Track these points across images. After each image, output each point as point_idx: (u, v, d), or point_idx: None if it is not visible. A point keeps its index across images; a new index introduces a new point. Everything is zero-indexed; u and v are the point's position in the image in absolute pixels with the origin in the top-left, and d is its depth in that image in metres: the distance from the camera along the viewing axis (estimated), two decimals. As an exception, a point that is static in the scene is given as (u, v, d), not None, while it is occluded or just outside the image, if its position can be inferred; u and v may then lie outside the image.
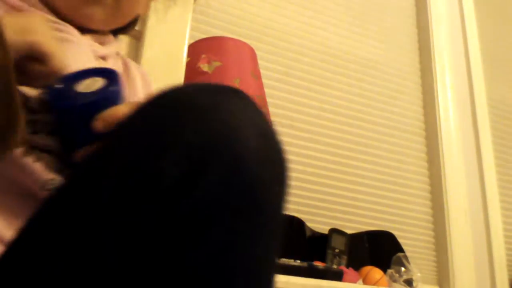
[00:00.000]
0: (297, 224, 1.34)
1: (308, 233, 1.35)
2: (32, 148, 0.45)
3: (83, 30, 0.63)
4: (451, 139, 1.80)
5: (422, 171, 1.76)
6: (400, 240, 1.51)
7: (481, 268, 1.70)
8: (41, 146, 0.45)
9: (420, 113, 1.85)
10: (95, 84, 0.44)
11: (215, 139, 0.33)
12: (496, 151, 1.92)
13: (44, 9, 0.59)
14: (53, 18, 0.58)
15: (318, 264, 1.18)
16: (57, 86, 0.45)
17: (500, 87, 2.08)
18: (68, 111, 0.43)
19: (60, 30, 0.57)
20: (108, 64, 0.67)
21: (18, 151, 0.45)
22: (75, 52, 0.57)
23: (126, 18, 0.69)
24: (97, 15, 0.62)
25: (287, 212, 1.40)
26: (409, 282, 1.25)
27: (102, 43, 0.66)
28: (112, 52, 0.69)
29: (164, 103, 0.36)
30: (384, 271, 1.31)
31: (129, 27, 0.75)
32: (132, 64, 0.74)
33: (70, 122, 0.44)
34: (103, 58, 0.66)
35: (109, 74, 0.45)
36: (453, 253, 1.64)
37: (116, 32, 0.73)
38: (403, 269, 1.24)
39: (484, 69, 2.02)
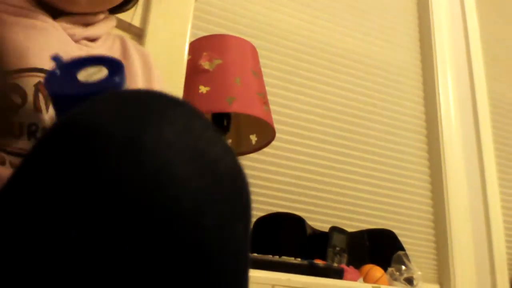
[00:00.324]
0: (297, 222, 1.34)
1: (308, 231, 1.35)
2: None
3: (58, 13, 0.60)
4: (452, 136, 1.80)
5: (422, 169, 1.77)
6: (401, 238, 1.51)
7: (482, 266, 1.70)
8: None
9: (421, 111, 1.85)
10: (97, 73, 0.42)
11: (135, 186, 0.27)
12: (497, 149, 1.92)
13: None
14: (19, 3, 0.56)
15: (319, 262, 1.18)
16: (57, 72, 0.42)
17: (501, 84, 2.08)
18: (66, 99, 0.41)
19: (25, 16, 0.55)
20: (97, 46, 0.63)
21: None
22: (42, 39, 0.54)
23: (110, 1, 0.64)
24: (81, 2, 0.59)
25: (288, 210, 1.40)
26: (409, 280, 1.25)
27: (87, 24, 0.62)
28: (103, 32, 0.65)
29: (70, 138, 0.29)
30: (385, 269, 1.31)
31: (126, 4, 0.70)
32: (130, 45, 0.70)
33: (66, 110, 0.43)
34: (90, 39, 0.62)
35: (112, 63, 0.43)
36: (454, 251, 1.64)
37: (111, 10, 0.69)
38: (403, 267, 1.24)
39: (485, 67, 2.01)
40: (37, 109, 0.50)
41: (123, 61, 0.63)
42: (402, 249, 1.44)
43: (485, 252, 1.73)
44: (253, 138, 1.25)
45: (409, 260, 1.28)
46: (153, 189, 0.27)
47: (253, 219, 1.30)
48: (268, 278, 1.04)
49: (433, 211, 1.73)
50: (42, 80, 0.51)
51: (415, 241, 1.65)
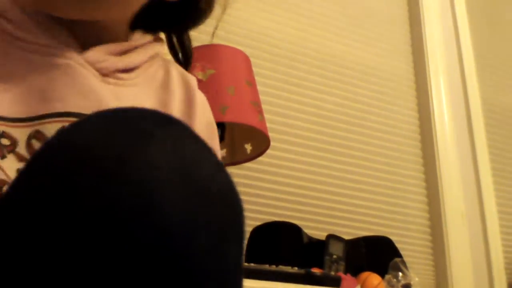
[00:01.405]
0: (294, 230, 1.34)
1: (305, 240, 1.35)
2: None
3: (89, 44, 0.52)
4: (447, 143, 1.80)
5: (418, 175, 1.77)
6: (398, 245, 1.51)
7: (479, 272, 1.70)
8: None
9: (415, 117, 1.86)
10: None
11: (123, 213, 0.26)
12: (492, 154, 1.93)
13: (40, 33, 0.50)
14: (41, 40, 0.50)
15: (316, 271, 1.17)
16: None
17: (494, 90, 2.09)
18: None
19: (48, 55, 0.50)
20: (132, 78, 0.55)
21: None
22: (66, 80, 0.49)
23: (130, 5, 0.53)
24: (95, 5, 0.50)
25: (285, 219, 1.40)
26: (407, 287, 1.24)
27: (122, 52, 0.54)
28: (142, 60, 0.56)
29: (57, 160, 0.28)
30: (382, 276, 1.30)
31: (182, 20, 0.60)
32: (175, 74, 0.60)
33: None
34: (126, 70, 0.54)
35: None
36: (451, 257, 1.64)
37: (152, 26, 0.59)
38: (400, 274, 1.24)
39: (477, 73, 2.03)
40: None
41: (163, 95, 0.57)
42: (399, 255, 1.44)
43: (483, 257, 1.73)
44: (248, 147, 1.25)
45: (406, 267, 1.28)
46: (140, 213, 0.27)
47: (249, 228, 1.29)
48: (265, 288, 1.03)
49: (429, 217, 1.73)
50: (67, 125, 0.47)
51: (412, 247, 1.65)
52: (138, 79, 0.55)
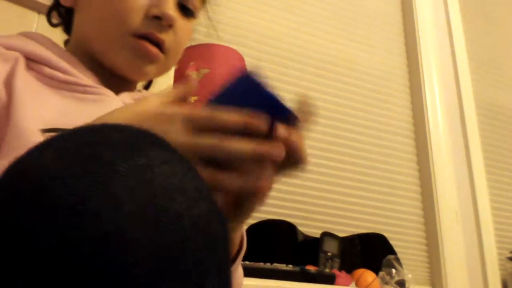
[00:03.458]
0: (289, 228, 1.35)
1: (300, 238, 1.35)
2: None
3: (115, 88, 0.65)
4: (440, 141, 1.81)
5: (412, 173, 1.78)
6: (392, 242, 1.52)
7: (473, 268, 1.71)
8: None
9: (409, 115, 1.87)
10: None
11: (79, 261, 0.24)
12: (485, 151, 1.94)
13: (83, 68, 0.62)
14: (90, 82, 0.60)
15: (311, 268, 1.18)
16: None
17: (487, 88, 2.10)
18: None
19: (94, 93, 0.60)
20: None
21: None
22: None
23: (167, 71, 0.70)
24: (151, 72, 0.66)
25: (279, 217, 1.40)
26: (401, 283, 1.25)
27: (133, 97, 0.67)
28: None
29: (16, 195, 0.26)
30: (377, 273, 1.31)
31: None
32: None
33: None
34: None
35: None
36: (445, 253, 1.65)
37: None
38: (394, 271, 1.25)
39: (471, 71, 2.04)
40: None
41: None
42: (394, 252, 1.44)
43: (476, 253, 1.75)
44: (243, 146, 1.25)
45: (399, 264, 1.29)
46: (99, 258, 0.24)
47: (245, 226, 1.30)
48: (260, 286, 1.04)
49: (423, 214, 1.74)
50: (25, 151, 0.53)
51: (406, 244, 1.66)
52: None
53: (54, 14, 0.72)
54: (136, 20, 0.61)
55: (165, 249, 0.26)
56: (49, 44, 0.63)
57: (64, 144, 0.29)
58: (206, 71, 1.16)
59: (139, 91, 0.74)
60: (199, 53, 1.19)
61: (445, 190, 1.74)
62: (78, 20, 0.66)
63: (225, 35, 1.54)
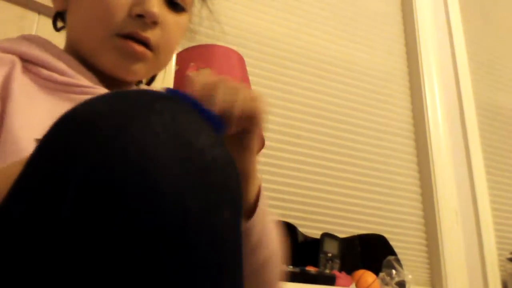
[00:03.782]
0: (289, 229, 1.35)
1: (300, 238, 1.35)
2: None
3: (118, 88, 0.65)
4: (440, 141, 1.81)
5: (412, 174, 1.78)
6: (392, 243, 1.52)
7: (473, 269, 1.71)
8: None
9: (409, 116, 1.87)
10: None
11: (119, 172, 0.29)
12: (485, 152, 1.94)
13: (82, 69, 0.62)
14: (86, 83, 0.61)
15: (311, 269, 1.18)
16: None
17: (487, 89, 2.10)
18: None
19: (91, 94, 0.59)
20: None
21: None
22: None
23: (162, 67, 0.71)
24: (141, 71, 0.65)
25: (280, 218, 1.40)
26: (401, 284, 1.25)
27: None
28: None
29: (67, 126, 0.33)
30: (377, 274, 1.31)
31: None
32: None
33: None
34: None
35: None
36: (445, 254, 1.65)
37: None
38: (394, 271, 1.25)
39: (471, 72, 2.04)
40: None
41: None
42: (394, 253, 1.44)
43: (476, 254, 1.75)
44: (243, 146, 1.25)
45: (399, 265, 1.29)
46: (135, 173, 0.29)
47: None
48: (260, 287, 1.03)
49: (423, 215, 1.74)
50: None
51: (406, 245, 1.66)
52: None
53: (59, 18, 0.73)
54: (119, 20, 0.61)
55: (190, 173, 0.31)
56: (47, 45, 0.64)
57: (110, 96, 0.35)
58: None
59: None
60: (199, 53, 1.19)
61: (445, 191, 1.74)
62: (69, 22, 0.67)
63: (225, 36, 1.54)
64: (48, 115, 0.54)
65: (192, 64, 1.15)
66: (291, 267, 1.13)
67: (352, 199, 1.60)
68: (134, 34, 0.62)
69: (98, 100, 0.34)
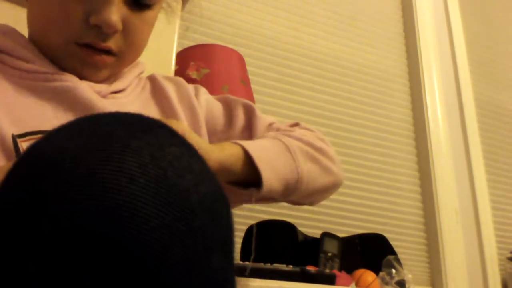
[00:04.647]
0: (289, 228, 1.35)
1: (300, 238, 1.35)
2: None
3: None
4: (440, 140, 1.81)
5: (412, 173, 1.78)
6: (392, 242, 1.52)
7: (474, 268, 1.71)
8: None
9: (409, 115, 1.87)
10: None
11: (90, 228, 0.26)
12: (485, 151, 1.94)
13: (44, 59, 0.59)
14: (47, 68, 0.57)
15: (311, 268, 1.18)
16: None
17: (487, 88, 2.10)
18: None
19: (55, 81, 0.57)
20: (125, 96, 0.64)
21: None
22: (73, 100, 0.56)
23: (131, 63, 0.66)
24: (104, 75, 0.61)
25: (280, 217, 1.40)
26: (401, 283, 1.25)
27: (112, 80, 0.64)
28: (129, 81, 0.66)
29: (31, 167, 0.28)
30: (377, 273, 1.31)
31: None
32: (161, 80, 0.70)
33: None
34: (117, 92, 0.63)
35: None
36: (445, 253, 1.65)
37: None
38: (394, 271, 1.25)
39: (471, 71, 2.04)
40: None
41: (155, 100, 0.66)
42: (394, 253, 1.44)
43: (477, 253, 1.75)
44: (243, 146, 1.25)
45: (399, 264, 1.29)
46: (112, 227, 0.26)
47: (244, 227, 1.30)
48: (260, 286, 1.04)
49: (423, 214, 1.74)
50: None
51: (406, 244, 1.66)
52: (129, 97, 0.64)
53: None
54: (75, 28, 0.55)
55: (175, 221, 0.27)
56: (13, 34, 0.61)
57: (79, 125, 0.31)
58: (206, 71, 1.16)
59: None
60: (199, 53, 1.19)
61: (445, 190, 1.74)
62: (28, 13, 0.61)
63: (225, 36, 1.54)
64: (14, 104, 0.53)
65: (192, 63, 1.16)
66: (291, 266, 1.13)
67: (352, 199, 1.60)
68: (93, 44, 0.56)
69: (66, 132, 0.30)
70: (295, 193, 0.61)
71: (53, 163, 0.28)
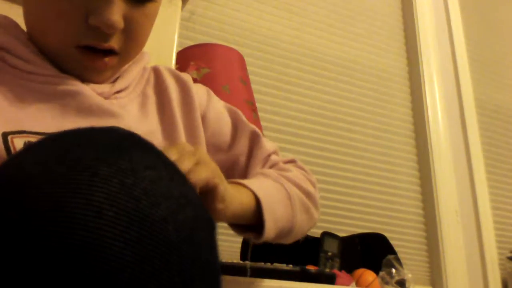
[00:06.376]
0: (289, 228, 1.34)
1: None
2: None
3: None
4: (440, 140, 1.81)
5: (412, 173, 1.78)
6: (392, 242, 1.52)
7: (473, 267, 1.71)
8: None
9: (409, 115, 1.87)
10: None
11: (57, 269, 0.23)
12: (485, 151, 1.94)
13: (44, 60, 0.57)
14: (48, 71, 0.56)
15: (311, 268, 1.18)
16: None
17: (487, 87, 2.10)
18: None
19: (56, 84, 0.55)
20: (127, 95, 0.62)
21: None
22: (76, 104, 0.56)
23: (137, 54, 0.63)
24: (107, 76, 0.60)
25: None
26: (401, 283, 1.25)
27: (114, 80, 0.62)
28: (133, 78, 0.64)
29: None
30: (377, 273, 1.31)
31: None
32: (166, 73, 0.68)
33: None
34: (121, 91, 0.62)
35: None
36: (445, 253, 1.65)
37: None
38: (394, 270, 1.25)
39: (471, 70, 2.04)
40: None
41: (156, 97, 0.65)
42: (394, 252, 1.44)
43: (477, 253, 1.75)
44: (243, 145, 1.25)
45: (399, 263, 1.29)
46: (79, 267, 0.23)
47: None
48: (260, 286, 1.04)
49: (423, 214, 1.74)
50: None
51: (407, 244, 1.66)
52: (131, 96, 0.63)
53: None
54: (75, 30, 0.53)
55: (149, 256, 0.25)
56: (14, 29, 0.58)
57: (48, 148, 0.28)
58: (206, 70, 1.16)
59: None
60: (199, 53, 1.19)
61: (445, 190, 1.74)
62: (24, 11, 0.58)
63: (225, 35, 1.54)
64: (10, 104, 0.51)
65: (192, 63, 1.15)
66: (291, 265, 1.13)
67: (352, 198, 1.60)
68: (95, 45, 0.54)
69: (34, 155, 0.27)
70: (282, 239, 0.62)
71: (16, 193, 0.25)
